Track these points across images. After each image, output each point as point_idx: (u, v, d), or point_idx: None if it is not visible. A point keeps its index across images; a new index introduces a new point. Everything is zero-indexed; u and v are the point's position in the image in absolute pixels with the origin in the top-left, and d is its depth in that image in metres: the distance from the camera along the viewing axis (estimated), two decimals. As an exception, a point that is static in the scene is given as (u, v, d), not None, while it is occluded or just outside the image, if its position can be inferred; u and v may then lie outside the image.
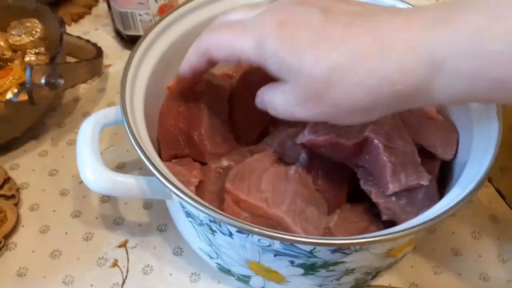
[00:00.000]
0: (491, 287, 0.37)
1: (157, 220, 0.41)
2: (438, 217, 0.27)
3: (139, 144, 0.29)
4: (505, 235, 0.40)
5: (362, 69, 0.24)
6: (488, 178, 0.40)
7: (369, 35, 0.24)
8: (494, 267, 0.38)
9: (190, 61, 0.32)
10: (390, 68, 0.23)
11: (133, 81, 0.34)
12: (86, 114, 0.49)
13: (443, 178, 0.35)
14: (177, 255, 0.39)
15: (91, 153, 0.32)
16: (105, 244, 0.39)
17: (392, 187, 0.31)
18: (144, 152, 0.28)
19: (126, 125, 0.30)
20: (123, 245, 0.39)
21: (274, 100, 0.29)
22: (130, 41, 0.55)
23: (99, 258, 0.38)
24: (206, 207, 0.26)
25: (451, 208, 0.27)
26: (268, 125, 0.40)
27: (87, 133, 0.33)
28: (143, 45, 0.36)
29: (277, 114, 0.29)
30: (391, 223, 0.31)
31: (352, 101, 0.24)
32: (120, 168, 0.45)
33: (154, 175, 0.28)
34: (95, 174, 0.31)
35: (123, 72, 0.33)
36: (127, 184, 0.31)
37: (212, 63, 0.32)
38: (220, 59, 0.30)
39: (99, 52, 0.49)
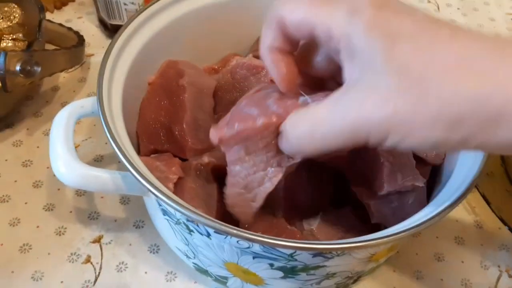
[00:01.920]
0: (473, 294, 0.37)
1: (134, 216, 0.39)
2: (423, 224, 0.26)
3: (114, 138, 0.27)
4: (489, 241, 0.40)
5: (472, 74, 0.20)
6: (474, 183, 0.39)
7: (479, 42, 0.21)
8: (476, 273, 0.38)
9: (263, 38, 0.26)
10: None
11: (112, 72, 0.33)
12: (64, 104, 0.47)
13: (430, 185, 0.34)
14: (153, 253, 0.37)
15: (64, 145, 0.30)
16: (78, 239, 0.38)
17: (387, 186, 0.30)
18: (119, 146, 0.27)
19: (101, 117, 0.29)
20: (97, 240, 0.38)
21: (325, 113, 0.23)
22: (114, 31, 0.53)
23: (71, 254, 0.37)
24: (183, 206, 0.25)
25: (436, 215, 0.26)
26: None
27: (62, 124, 0.31)
28: (124, 35, 0.34)
29: (330, 132, 0.23)
30: (375, 227, 0.31)
31: (446, 107, 0.21)
32: (98, 161, 0.43)
33: (129, 170, 0.26)
34: (68, 168, 0.30)
35: (102, 61, 0.32)
36: (101, 179, 0.30)
37: (287, 37, 0.26)
38: (293, 31, 0.25)
39: (80, 41, 0.47)
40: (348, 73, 0.23)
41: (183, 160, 0.35)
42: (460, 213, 0.42)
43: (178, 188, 0.32)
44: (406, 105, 0.21)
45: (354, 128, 0.22)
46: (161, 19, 0.37)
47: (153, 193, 0.25)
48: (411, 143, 0.22)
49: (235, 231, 0.24)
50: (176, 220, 0.29)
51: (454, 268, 0.38)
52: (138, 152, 0.37)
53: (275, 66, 0.26)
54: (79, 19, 0.57)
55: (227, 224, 0.25)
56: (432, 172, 0.34)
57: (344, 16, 0.23)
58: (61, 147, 0.30)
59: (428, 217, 0.26)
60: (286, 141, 0.26)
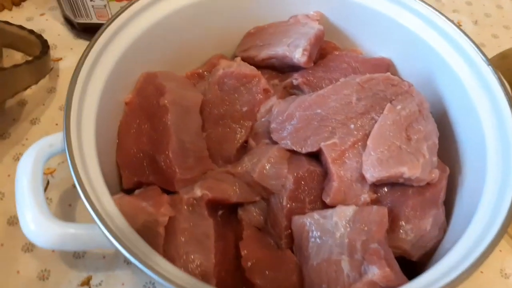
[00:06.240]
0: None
1: (124, 250, 0.36)
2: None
3: (90, 199, 0.23)
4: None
5: None
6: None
7: None
8: None
9: None
10: None
11: (84, 90, 0.28)
12: (35, 121, 0.42)
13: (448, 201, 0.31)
14: (150, 291, 0.34)
15: (31, 196, 0.26)
16: (65, 283, 0.34)
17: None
18: (99, 215, 0.23)
19: (70, 166, 0.24)
20: (86, 283, 0.34)
21: None
22: (82, 30, 0.47)
23: (58, 300, 0.33)
24: (175, 283, 0.21)
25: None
26: (247, 137, 0.34)
27: (27, 170, 0.27)
28: (98, 44, 0.29)
29: None
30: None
31: None
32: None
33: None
34: (38, 225, 0.25)
35: (68, 91, 0.27)
36: (78, 237, 0.25)
37: None
38: None
39: (44, 49, 0.41)
40: None
41: (172, 192, 0.31)
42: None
43: (169, 231, 0.28)
44: None
45: None
46: (139, 22, 0.32)
47: (141, 269, 0.22)
48: None
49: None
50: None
51: None
52: (121, 184, 0.33)
53: None
54: (42, 17, 0.51)
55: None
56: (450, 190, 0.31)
57: None
58: (29, 200, 0.26)
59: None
60: None
